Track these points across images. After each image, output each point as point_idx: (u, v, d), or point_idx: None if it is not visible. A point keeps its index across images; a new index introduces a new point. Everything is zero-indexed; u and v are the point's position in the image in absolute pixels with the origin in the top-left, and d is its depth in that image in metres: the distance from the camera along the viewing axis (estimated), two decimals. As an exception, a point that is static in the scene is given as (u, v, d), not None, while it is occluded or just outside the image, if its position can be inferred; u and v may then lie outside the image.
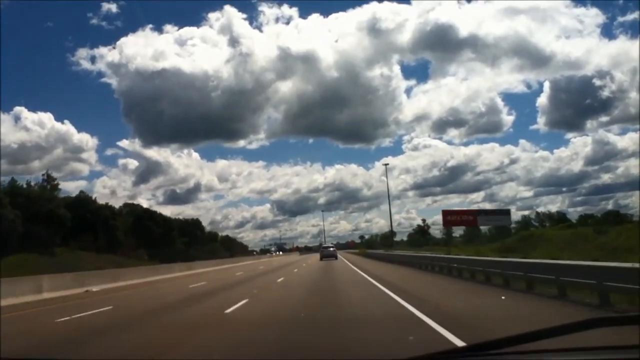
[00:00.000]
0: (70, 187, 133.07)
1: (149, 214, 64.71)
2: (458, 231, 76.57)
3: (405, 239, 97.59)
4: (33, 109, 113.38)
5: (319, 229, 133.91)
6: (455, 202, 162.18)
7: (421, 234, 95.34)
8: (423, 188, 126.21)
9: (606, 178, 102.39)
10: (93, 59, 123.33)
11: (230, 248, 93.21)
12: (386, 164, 72.18)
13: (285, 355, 5.60)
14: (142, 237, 56.46)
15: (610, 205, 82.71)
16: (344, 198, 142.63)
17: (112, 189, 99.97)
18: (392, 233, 79.87)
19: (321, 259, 46.19)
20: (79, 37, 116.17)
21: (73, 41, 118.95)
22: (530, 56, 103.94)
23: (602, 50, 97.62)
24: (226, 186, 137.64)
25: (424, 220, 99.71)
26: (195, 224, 75.69)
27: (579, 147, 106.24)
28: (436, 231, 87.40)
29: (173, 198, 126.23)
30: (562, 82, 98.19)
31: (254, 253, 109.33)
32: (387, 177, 69.88)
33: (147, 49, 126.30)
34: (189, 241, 68.04)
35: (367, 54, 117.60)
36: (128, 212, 63.55)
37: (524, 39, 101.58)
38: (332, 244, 69.03)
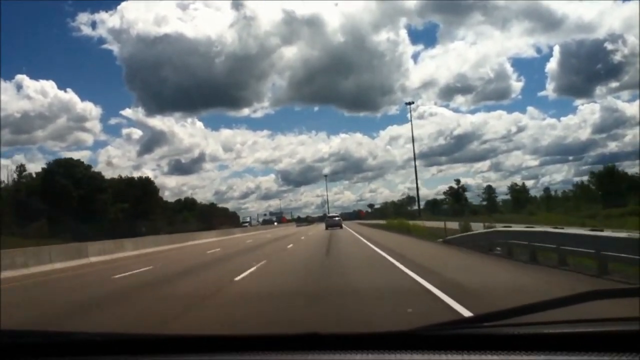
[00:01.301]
0: (75, 157, 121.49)
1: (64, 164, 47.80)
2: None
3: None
4: (35, 77, 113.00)
5: (322, 199, 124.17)
6: (460, 171, 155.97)
7: (455, 199, 73.19)
8: (428, 157, 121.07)
9: (613, 146, 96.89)
10: (94, 25, 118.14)
11: (209, 219, 74.12)
12: (410, 102, 59.64)
13: None
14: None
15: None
16: (349, 168, 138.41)
17: (108, 161, 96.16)
18: (418, 199, 64.90)
19: (326, 228, 45.35)
20: (79, 1, 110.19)
21: (73, 5, 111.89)
22: (542, 18, 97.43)
23: (615, 12, 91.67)
24: (231, 156, 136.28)
25: (458, 182, 77.52)
26: (143, 184, 52.59)
27: (586, 114, 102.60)
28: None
29: (177, 168, 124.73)
30: (573, 46, 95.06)
31: (246, 225, 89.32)
32: (411, 120, 52.19)
33: (148, 14, 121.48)
34: (131, 207, 45.27)
35: (374, 17, 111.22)
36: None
37: (536, 0, 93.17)
38: (336, 214, 66.92)
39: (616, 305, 1.72)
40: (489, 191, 74.90)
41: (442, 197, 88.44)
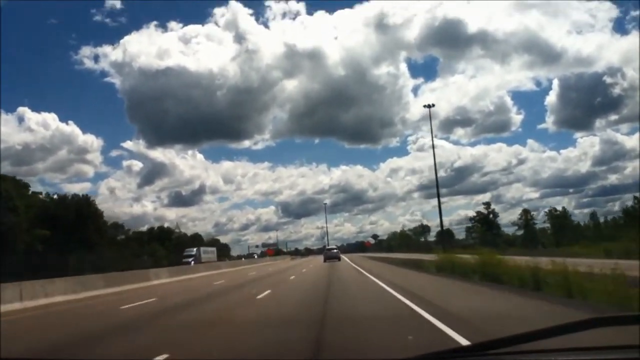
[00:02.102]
0: (75, 189, 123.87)
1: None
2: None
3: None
4: (37, 109, 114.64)
5: (322, 231, 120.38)
6: (461, 203, 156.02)
7: (486, 226, 58.94)
8: (429, 189, 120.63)
9: (613, 179, 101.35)
10: (96, 58, 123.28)
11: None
12: (430, 105, 47.41)
13: None
14: None
15: (616, 207, 79.31)
16: (349, 200, 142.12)
17: (111, 190, 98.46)
18: (442, 228, 51.45)
19: (324, 261, 45.17)
20: (82, 34, 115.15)
21: (77, 39, 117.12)
22: (541, 52, 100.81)
23: (613, 46, 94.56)
24: (231, 188, 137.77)
25: (488, 206, 63.54)
26: (79, 205, 38.75)
27: (586, 147, 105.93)
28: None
29: (177, 200, 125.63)
30: (572, 80, 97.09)
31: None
32: (431, 123, 42.83)
33: (151, 47, 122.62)
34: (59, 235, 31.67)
35: (374, 51, 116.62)
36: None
37: (535, 34, 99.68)
38: (336, 246, 67.90)
39: (617, 333, 1.66)
40: (526, 217, 60.33)
41: (459, 226, 75.68)
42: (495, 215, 65.82)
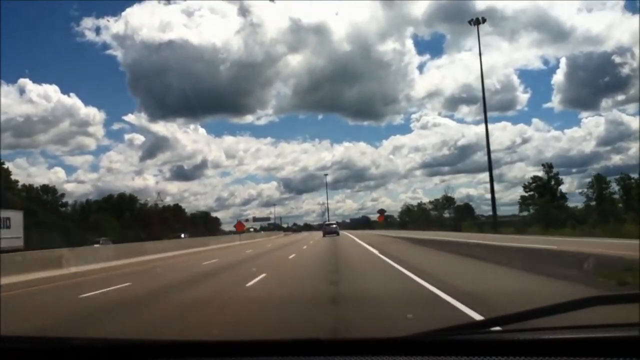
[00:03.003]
0: (77, 162, 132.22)
1: None
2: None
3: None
4: (38, 80, 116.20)
5: (323, 207, 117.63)
6: (463, 181, 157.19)
7: (547, 195, 45.03)
8: (431, 167, 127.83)
9: (617, 159, 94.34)
10: (98, 30, 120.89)
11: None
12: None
13: None
14: None
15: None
16: (351, 176, 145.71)
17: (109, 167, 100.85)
18: (493, 201, 41.20)
19: (324, 235, 48.39)
20: (84, 6, 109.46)
21: (78, 10, 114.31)
22: (550, 30, 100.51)
23: (624, 25, 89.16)
24: (233, 163, 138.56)
25: (549, 167, 50.08)
26: None
27: (591, 127, 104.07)
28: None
29: (179, 174, 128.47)
30: (581, 59, 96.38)
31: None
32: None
33: (153, 20, 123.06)
34: None
35: (381, 26, 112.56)
36: None
37: (545, 11, 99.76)
38: (336, 222, 70.55)
39: (617, 311, 1.70)
40: (599, 184, 45.80)
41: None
42: (559, 181, 51.80)
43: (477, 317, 6.19)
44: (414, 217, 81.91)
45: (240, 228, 57.96)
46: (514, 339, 1.45)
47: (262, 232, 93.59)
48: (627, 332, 1.48)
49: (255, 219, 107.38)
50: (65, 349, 1.57)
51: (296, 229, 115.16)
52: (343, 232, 56.51)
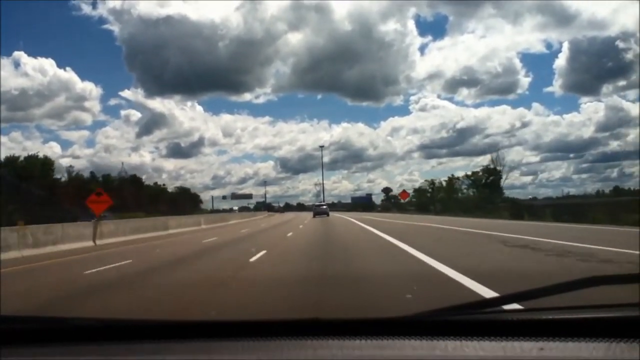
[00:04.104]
0: (73, 137, 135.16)
1: None
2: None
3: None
4: (33, 54, 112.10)
5: (319, 187, 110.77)
6: (460, 164, 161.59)
7: None
8: (429, 149, 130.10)
9: (614, 145, 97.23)
10: (94, 4, 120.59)
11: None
12: None
13: None
14: None
15: (614, 174, 78.73)
16: (348, 157, 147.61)
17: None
18: None
19: (314, 216, 50.41)
20: None
21: None
22: (555, 14, 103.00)
23: (630, 9, 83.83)
24: (230, 141, 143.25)
25: None
26: None
27: (591, 112, 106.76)
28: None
29: (176, 151, 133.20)
30: (584, 43, 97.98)
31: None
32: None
33: None
34: None
35: (383, 6, 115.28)
36: None
37: None
38: (324, 202, 72.70)
39: (616, 292, 1.76)
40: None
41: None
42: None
43: None
44: (435, 196, 70.39)
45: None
46: (513, 319, 1.51)
47: (238, 210, 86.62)
48: (626, 312, 1.52)
49: (234, 196, 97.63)
50: (63, 329, 1.63)
51: (279, 208, 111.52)
52: (341, 217, 51.56)
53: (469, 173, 62.96)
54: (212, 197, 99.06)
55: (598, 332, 1.36)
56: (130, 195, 70.38)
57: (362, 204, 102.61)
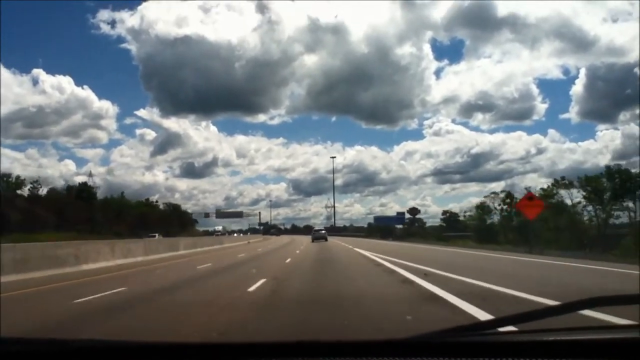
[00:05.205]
0: (88, 155, 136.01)
1: None
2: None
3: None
4: (51, 71, 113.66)
5: (330, 210, 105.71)
6: (473, 190, 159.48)
7: None
8: (442, 174, 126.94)
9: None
10: (113, 23, 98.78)
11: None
12: None
13: None
14: None
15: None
16: (361, 180, 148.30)
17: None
18: None
19: (312, 241, 52.00)
20: None
21: (94, 1, 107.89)
22: (573, 39, 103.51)
23: None
24: (243, 162, 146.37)
25: None
26: None
27: (607, 140, 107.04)
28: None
29: (189, 171, 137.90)
30: (602, 70, 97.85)
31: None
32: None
33: (169, 15, 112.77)
34: None
35: (399, 29, 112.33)
36: None
37: (568, 20, 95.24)
38: (322, 228, 77.16)
39: (617, 313, 2.00)
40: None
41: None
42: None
43: None
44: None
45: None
46: (513, 340, 1.54)
47: (227, 234, 77.64)
48: (627, 333, 1.57)
49: (219, 214, 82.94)
50: (64, 351, 1.65)
51: (275, 232, 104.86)
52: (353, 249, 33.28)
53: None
54: (191, 213, 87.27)
55: (599, 353, 1.40)
56: (83, 212, 56.80)
57: (385, 227, 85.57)
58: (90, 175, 74.21)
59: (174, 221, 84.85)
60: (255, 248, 38.93)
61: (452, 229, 78.30)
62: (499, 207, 60.69)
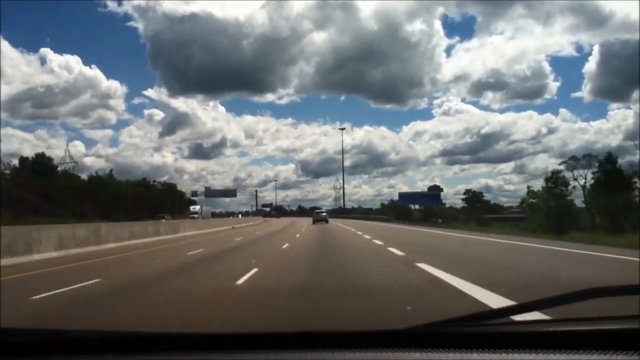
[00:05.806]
0: (97, 135, 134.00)
1: None
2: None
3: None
4: (59, 51, 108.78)
5: (338, 192, 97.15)
6: (483, 171, 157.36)
7: None
8: (452, 155, 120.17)
9: None
10: (120, 1, 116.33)
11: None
12: None
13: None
14: None
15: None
16: (369, 162, 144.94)
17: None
18: None
19: (313, 223, 52.54)
20: None
21: None
22: (587, 15, 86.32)
23: None
24: (252, 142, 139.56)
25: None
26: None
27: (619, 119, 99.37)
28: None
29: (198, 152, 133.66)
30: (616, 46, 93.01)
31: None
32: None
33: None
34: None
35: (410, 5, 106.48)
36: None
37: None
38: (323, 209, 69.50)
39: (616, 303, 1.81)
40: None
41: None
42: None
43: None
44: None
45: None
46: (514, 331, 1.58)
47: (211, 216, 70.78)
48: (626, 324, 1.58)
49: (209, 192, 74.71)
50: (62, 341, 1.68)
51: (275, 213, 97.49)
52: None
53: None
54: (185, 193, 78.75)
55: (598, 344, 1.43)
56: (56, 191, 49.00)
57: (408, 208, 72.69)
58: (67, 151, 68.34)
59: (165, 202, 77.19)
60: (252, 232, 36.05)
61: (474, 210, 73.76)
62: (582, 179, 47.73)
